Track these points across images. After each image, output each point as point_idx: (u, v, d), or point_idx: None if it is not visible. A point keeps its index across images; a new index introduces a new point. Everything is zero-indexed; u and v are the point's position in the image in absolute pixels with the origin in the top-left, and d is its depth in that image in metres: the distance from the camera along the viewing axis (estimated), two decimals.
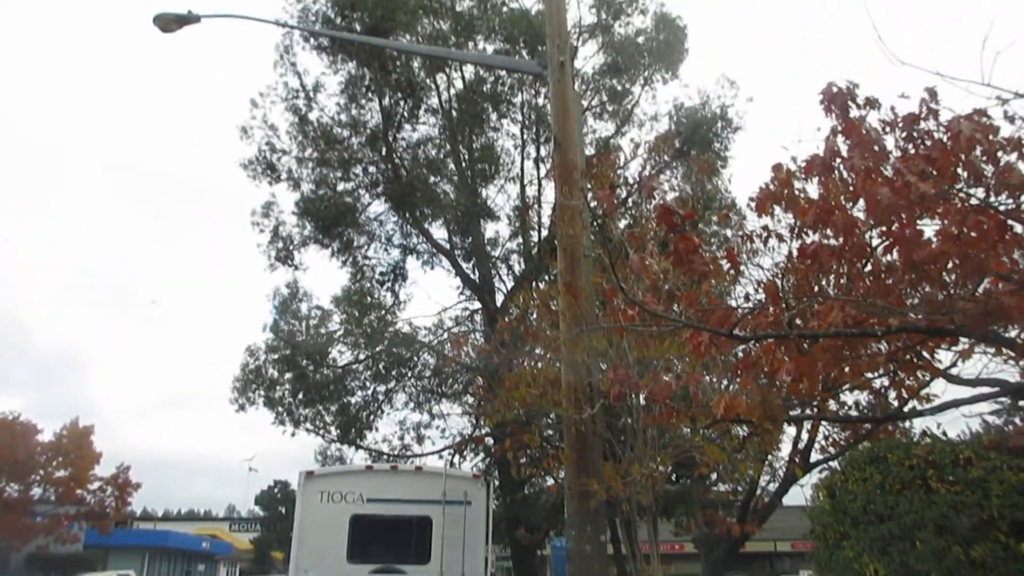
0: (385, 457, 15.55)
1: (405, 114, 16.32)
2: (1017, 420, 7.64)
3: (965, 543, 4.76)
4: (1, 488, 32.37)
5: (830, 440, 8.08)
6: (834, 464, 7.87)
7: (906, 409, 6.68)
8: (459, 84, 16.62)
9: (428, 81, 16.45)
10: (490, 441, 14.66)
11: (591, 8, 16.10)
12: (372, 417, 16.10)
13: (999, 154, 5.68)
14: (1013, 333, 5.61)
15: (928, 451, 5.29)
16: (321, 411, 15.65)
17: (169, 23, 8.24)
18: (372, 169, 16.18)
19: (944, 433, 6.22)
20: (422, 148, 16.78)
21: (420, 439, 16.00)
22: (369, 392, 16.10)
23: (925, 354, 6.28)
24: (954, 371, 6.47)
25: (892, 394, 6.54)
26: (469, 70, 16.24)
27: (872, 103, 6.17)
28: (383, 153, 15.95)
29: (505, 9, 16.25)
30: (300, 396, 15.41)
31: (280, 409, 15.40)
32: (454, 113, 16.54)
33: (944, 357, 6.75)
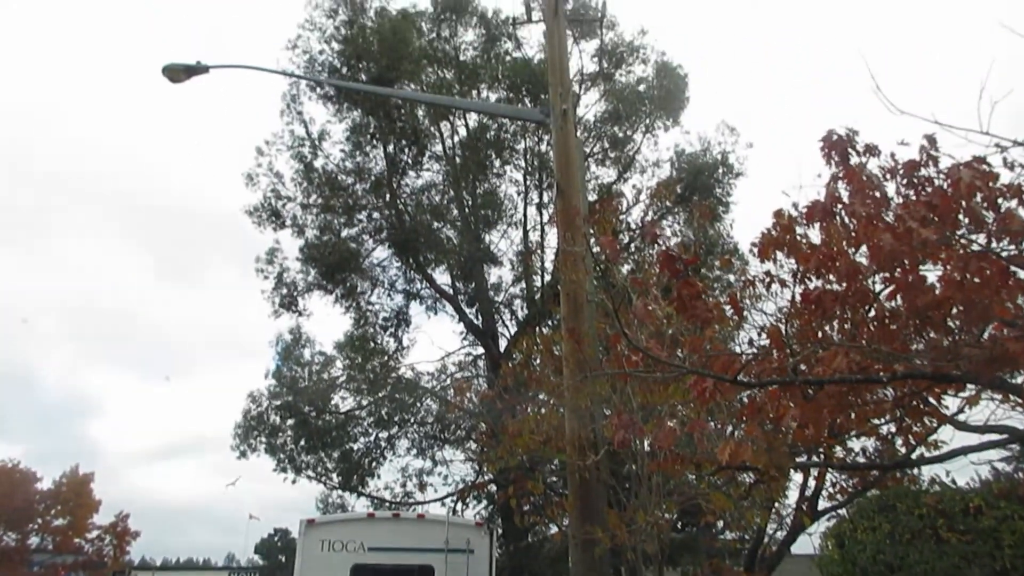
0: (387, 504, 15.37)
1: (409, 161, 16.51)
2: None
3: None
4: None
5: (838, 487, 7.96)
6: (843, 512, 7.74)
7: (914, 456, 6.60)
8: (463, 131, 16.85)
9: (432, 128, 16.68)
10: (493, 488, 14.49)
11: (593, 57, 16.38)
12: (374, 464, 15.96)
13: (999, 200, 5.71)
14: (1020, 379, 5.57)
15: (937, 500, 5.21)
16: (323, 458, 15.53)
17: (178, 74, 8.39)
18: (376, 215, 16.31)
19: (953, 481, 6.15)
20: (426, 194, 16.94)
21: (422, 486, 15.84)
22: (371, 438, 16.00)
23: (932, 400, 6.24)
24: (961, 417, 6.41)
25: (899, 441, 6.47)
26: (473, 117, 16.47)
27: (872, 150, 6.24)
28: (387, 199, 16.10)
29: (508, 58, 16.53)
30: (302, 443, 15.31)
31: (281, 456, 15.29)
32: (458, 160, 16.72)
33: (951, 403, 6.70)
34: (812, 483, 9.38)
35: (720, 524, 9.81)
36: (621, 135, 16.63)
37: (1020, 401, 5.61)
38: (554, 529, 11.50)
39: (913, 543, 5.05)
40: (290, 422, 15.38)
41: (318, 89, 15.67)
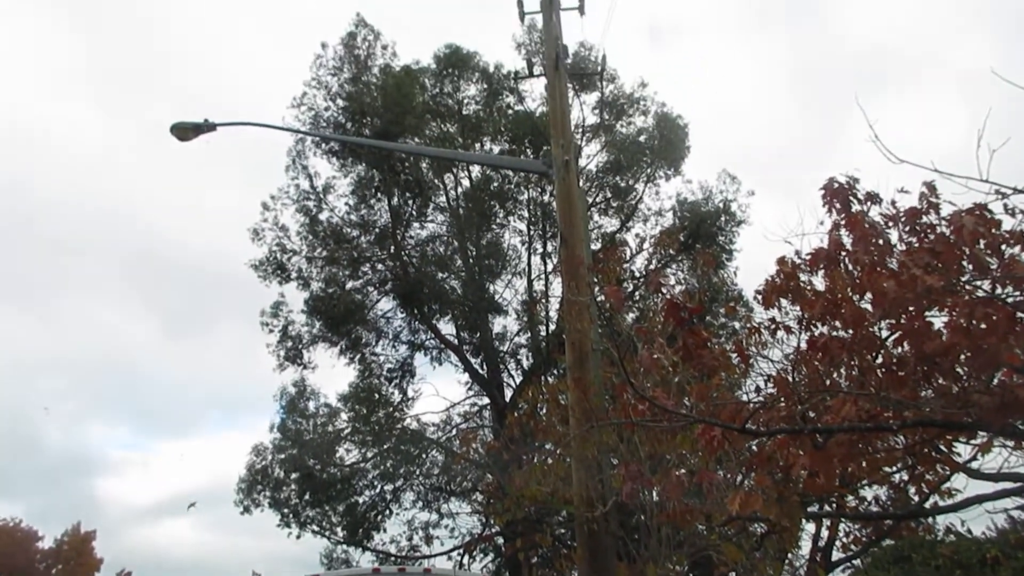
0: (393, 559, 15.11)
1: (414, 212, 16.68)
2: None
3: None
4: None
5: (852, 537, 7.84)
6: (857, 563, 7.61)
7: (927, 505, 6.52)
8: (466, 183, 17.04)
9: (436, 181, 16.88)
10: (500, 540, 14.27)
11: (594, 109, 16.64)
12: (379, 517, 15.74)
13: (1003, 247, 5.74)
14: None
15: (953, 550, 5.12)
16: (328, 511, 15.33)
17: (186, 132, 8.54)
18: (380, 266, 16.40)
19: (969, 531, 6.05)
20: (430, 245, 17.06)
21: (428, 539, 15.59)
22: (376, 491, 15.81)
23: (943, 448, 6.18)
24: (974, 465, 6.34)
25: (912, 489, 6.39)
26: (476, 169, 16.67)
27: (873, 198, 6.29)
28: (391, 251, 16.21)
29: (510, 111, 16.80)
30: (306, 496, 15.13)
31: (286, 510, 15.10)
32: (461, 211, 16.88)
33: (964, 451, 6.63)
34: (825, 533, 9.23)
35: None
36: (623, 185, 16.79)
37: None
38: None
39: None
40: (294, 476, 15.22)
41: (323, 144, 15.92)
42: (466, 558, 14.71)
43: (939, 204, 5.92)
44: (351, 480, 15.54)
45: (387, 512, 15.78)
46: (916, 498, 6.66)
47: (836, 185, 6.37)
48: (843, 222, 6.37)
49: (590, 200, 16.36)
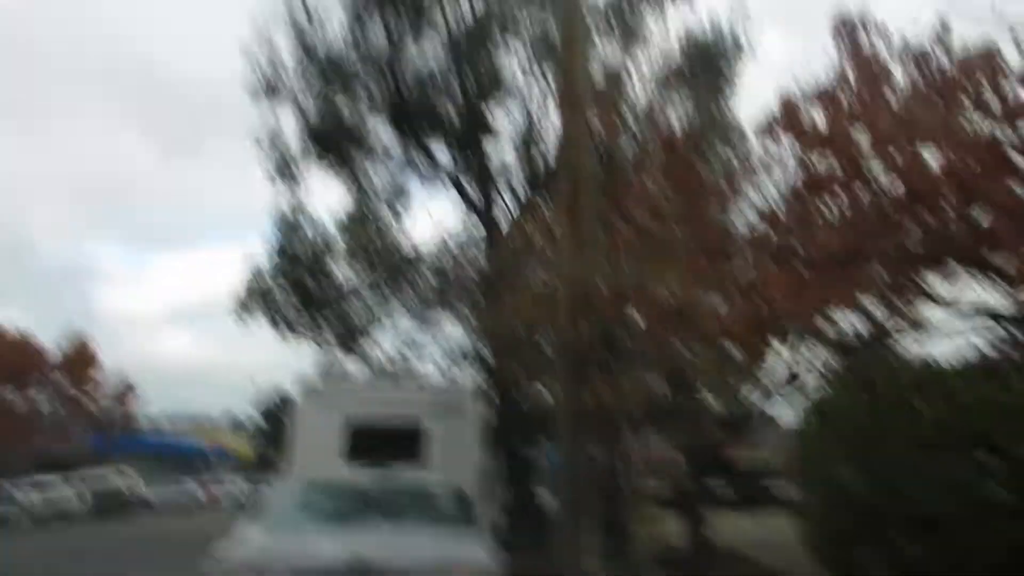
0: (383, 371, 15.89)
1: (410, 33, 16.03)
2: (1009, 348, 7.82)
3: (937, 453, 5.00)
4: (9, 400, 33.01)
5: (822, 362, 8.26)
6: (823, 386, 8.08)
7: (899, 334, 6.86)
8: (466, 4, 16.26)
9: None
10: (487, 357, 14.94)
11: None
12: (371, 328, 16.40)
13: (1006, 87, 5.72)
14: (1007, 262, 5.75)
15: (916, 376, 5.47)
16: (320, 322, 15.96)
17: None
18: (374, 88, 15.99)
19: (936, 361, 6.41)
20: (426, 67, 16.53)
21: (417, 353, 16.34)
22: (370, 306, 16.38)
23: (920, 281, 6.45)
24: (949, 298, 6.64)
25: (885, 319, 6.69)
26: None
27: (882, 31, 6.15)
28: (386, 73, 15.74)
29: None
30: (300, 307, 15.69)
31: (279, 319, 15.69)
32: (460, 32, 16.23)
33: (940, 287, 6.90)
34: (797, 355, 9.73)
35: (704, 391, 10.21)
36: (628, 11, 16.08)
37: (1004, 283, 5.81)
38: (546, 395, 11.98)
39: (890, 416, 5.33)
40: (289, 288, 15.72)
41: None
42: (455, 369, 15.49)
43: (949, 42, 5.83)
44: (344, 298, 16.05)
45: (378, 324, 16.44)
46: (889, 328, 7.00)
47: (845, 19, 6.22)
48: (849, 56, 6.29)
49: (593, 27, 15.71)
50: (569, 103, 7.67)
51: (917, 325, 6.72)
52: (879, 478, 5.14)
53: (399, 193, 16.91)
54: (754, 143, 7.02)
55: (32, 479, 27.07)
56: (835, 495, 5.67)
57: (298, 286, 15.63)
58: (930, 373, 5.75)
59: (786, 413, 10.67)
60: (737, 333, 6.00)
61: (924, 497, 4.86)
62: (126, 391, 37.24)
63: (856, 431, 5.71)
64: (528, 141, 16.10)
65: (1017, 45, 5.28)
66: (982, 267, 5.70)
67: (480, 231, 16.59)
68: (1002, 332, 6.22)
